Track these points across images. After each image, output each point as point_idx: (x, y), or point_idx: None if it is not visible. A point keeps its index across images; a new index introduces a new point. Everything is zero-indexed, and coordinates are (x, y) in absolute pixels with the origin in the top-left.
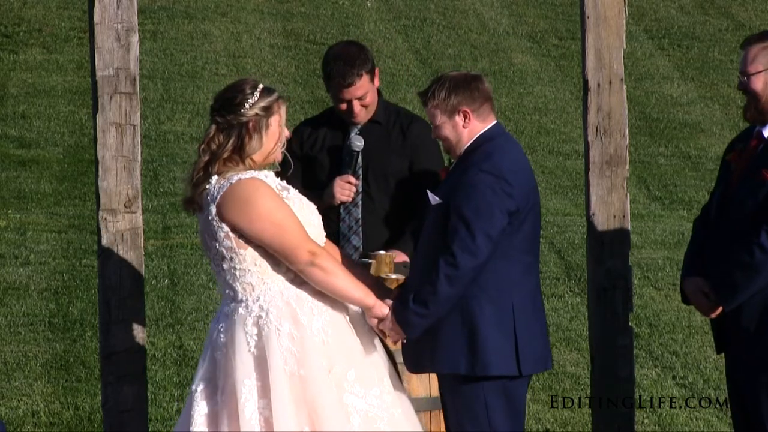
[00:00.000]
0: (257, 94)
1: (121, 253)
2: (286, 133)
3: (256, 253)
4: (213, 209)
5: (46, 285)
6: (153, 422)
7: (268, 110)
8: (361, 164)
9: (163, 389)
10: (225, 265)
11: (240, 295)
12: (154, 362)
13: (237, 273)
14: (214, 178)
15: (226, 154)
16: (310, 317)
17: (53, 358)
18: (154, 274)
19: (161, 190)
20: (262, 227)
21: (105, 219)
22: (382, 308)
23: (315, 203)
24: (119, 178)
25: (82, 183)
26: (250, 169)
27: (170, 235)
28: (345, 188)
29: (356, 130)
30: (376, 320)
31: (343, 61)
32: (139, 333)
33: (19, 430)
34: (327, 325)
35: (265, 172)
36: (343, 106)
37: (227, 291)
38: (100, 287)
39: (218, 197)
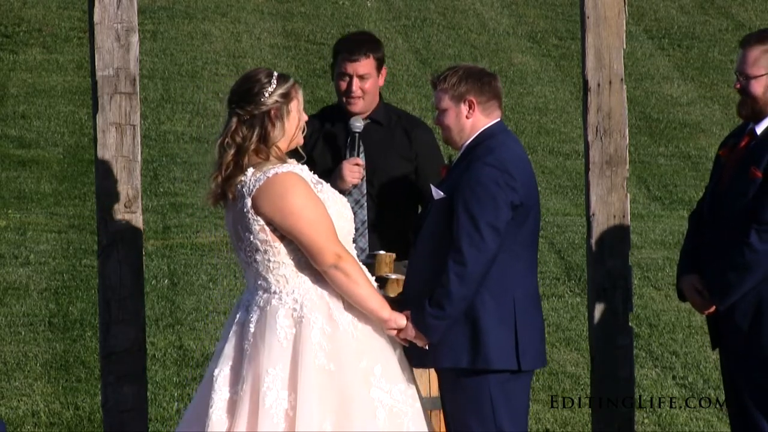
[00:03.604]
0: (274, 81)
1: (121, 253)
2: (305, 117)
3: (289, 248)
4: (248, 202)
5: (46, 285)
6: (153, 422)
7: (286, 96)
8: (363, 149)
9: (163, 389)
10: (259, 257)
11: (273, 287)
12: (154, 362)
13: (271, 265)
14: (250, 170)
15: (253, 146)
16: (341, 312)
17: (53, 358)
18: (154, 274)
19: (161, 190)
20: (293, 223)
21: (105, 219)
22: (398, 320)
23: None
24: (119, 178)
25: (82, 183)
26: (278, 157)
27: (170, 235)
28: (354, 171)
29: (360, 119)
30: (395, 331)
31: (353, 41)
32: (139, 333)
33: (19, 430)
34: (357, 321)
35: (300, 166)
36: (343, 84)
37: (259, 282)
38: (100, 287)
39: (254, 190)
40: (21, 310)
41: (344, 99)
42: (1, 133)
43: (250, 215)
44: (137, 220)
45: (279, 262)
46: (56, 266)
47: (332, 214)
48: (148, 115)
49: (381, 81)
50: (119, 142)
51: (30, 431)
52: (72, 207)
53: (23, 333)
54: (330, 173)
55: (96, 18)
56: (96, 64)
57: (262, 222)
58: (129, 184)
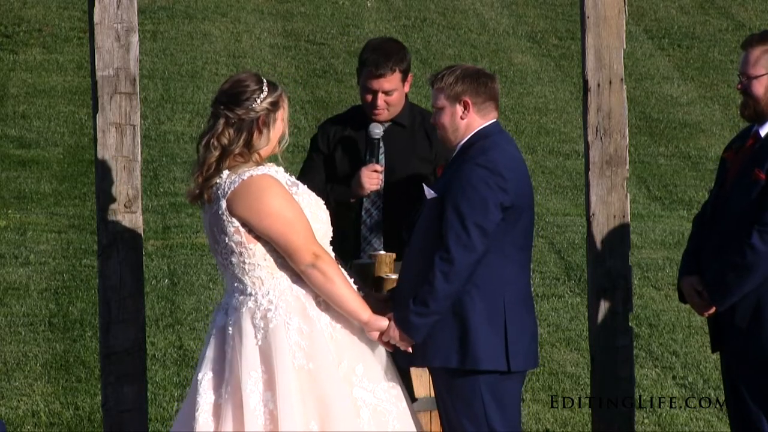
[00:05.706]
0: (265, 89)
1: (121, 253)
2: (286, 128)
3: (265, 249)
4: (223, 204)
5: (46, 285)
6: (153, 422)
7: (275, 105)
8: (383, 151)
9: (163, 389)
10: (234, 259)
11: (249, 289)
12: (154, 362)
13: (246, 267)
14: (225, 172)
15: (237, 150)
16: (319, 312)
17: (53, 358)
18: (154, 274)
19: (161, 190)
20: (270, 224)
21: (105, 219)
22: (378, 321)
23: (343, 196)
24: (119, 178)
25: (82, 183)
26: (257, 163)
27: (170, 235)
28: (373, 177)
29: (379, 126)
30: (377, 334)
31: (380, 53)
32: (139, 333)
33: (19, 430)
34: (334, 321)
35: (275, 168)
36: (369, 97)
37: (235, 284)
38: (100, 287)
39: (229, 192)
40: (21, 310)
41: (369, 110)
42: (1, 133)
43: (224, 217)
44: (137, 220)
45: (254, 264)
46: (56, 266)
47: (307, 215)
48: (148, 115)
49: (407, 88)
50: (119, 142)
51: (30, 431)
52: (72, 207)
53: (23, 333)
54: (349, 178)
55: (96, 18)
56: (96, 64)
57: (237, 224)
58: (129, 184)
